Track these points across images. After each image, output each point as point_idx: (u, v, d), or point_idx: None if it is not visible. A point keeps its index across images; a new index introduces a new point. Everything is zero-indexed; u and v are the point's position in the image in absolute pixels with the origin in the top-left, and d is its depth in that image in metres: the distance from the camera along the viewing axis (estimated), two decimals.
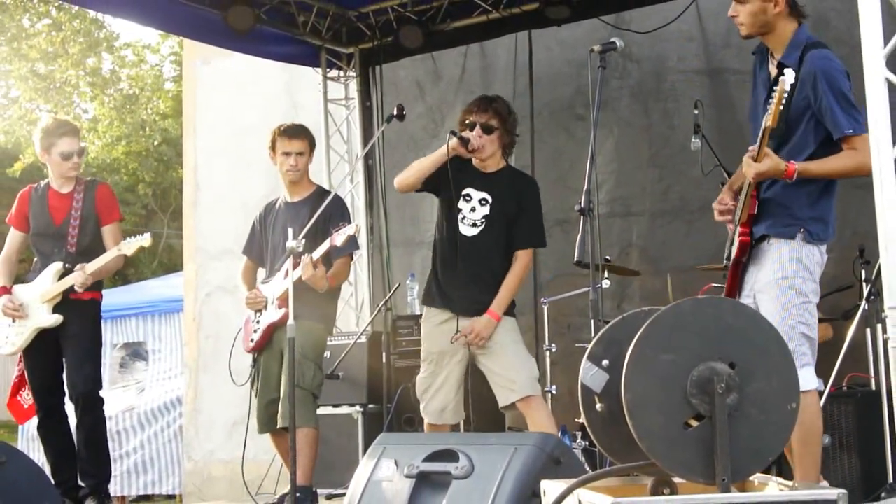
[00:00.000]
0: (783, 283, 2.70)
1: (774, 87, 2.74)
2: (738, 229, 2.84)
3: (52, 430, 4.08)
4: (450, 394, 3.52)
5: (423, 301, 3.67)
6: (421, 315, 4.78)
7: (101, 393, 4.06)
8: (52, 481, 3.51)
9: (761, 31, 2.82)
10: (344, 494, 2.90)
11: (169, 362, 7.15)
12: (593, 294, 2.85)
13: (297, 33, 5.32)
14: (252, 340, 3.88)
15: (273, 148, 3.95)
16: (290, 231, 3.49)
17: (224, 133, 6.43)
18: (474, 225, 3.52)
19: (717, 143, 4.15)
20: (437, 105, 5.58)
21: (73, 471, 4.03)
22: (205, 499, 6.03)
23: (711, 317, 1.99)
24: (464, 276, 3.49)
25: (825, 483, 2.80)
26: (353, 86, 5.61)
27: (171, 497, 6.99)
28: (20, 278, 4.24)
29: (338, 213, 3.82)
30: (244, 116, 6.22)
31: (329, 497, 4.39)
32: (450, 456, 2.51)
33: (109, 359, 7.11)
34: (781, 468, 2.95)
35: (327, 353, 4.43)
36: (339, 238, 3.59)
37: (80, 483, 4.03)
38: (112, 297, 6.14)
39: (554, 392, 4.15)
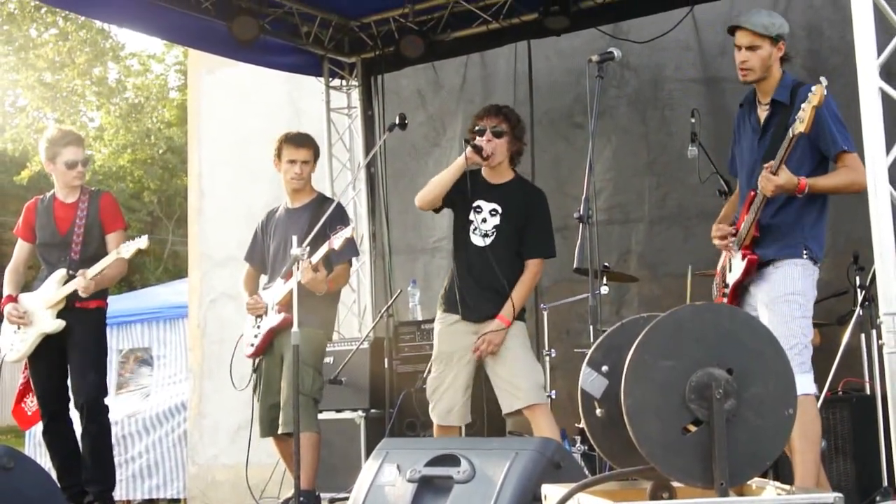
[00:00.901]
0: (789, 299, 2.85)
1: (767, 129, 2.94)
2: (741, 252, 2.93)
3: (56, 435, 4.11)
4: (456, 395, 3.55)
5: (440, 305, 3.70)
6: (422, 321, 4.87)
7: (106, 400, 4.10)
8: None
9: (764, 75, 2.99)
10: (347, 498, 2.92)
11: (173, 367, 7.17)
12: (592, 300, 2.89)
13: (300, 43, 5.38)
14: (252, 346, 3.91)
15: (278, 155, 3.99)
16: (294, 238, 3.53)
17: (228, 141, 6.47)
18: (485, 236, 3.56)
19: (714, 150, 4.19)
20: (437, 114, 5.63)
21: (78, 476, 4.05)
22: (209, 503, 6.06)
23: (710, 323, 2.01)
24: (477, 286, 3.54)
25: (827, 486, 2.85)
26: (356, 95, 5.66)
27: (175, 501, 7.00)
28: (28, 286, 4.28)
29: (337, 218, 3.85)
30: (248, 125, 6.26)
31: (332, 501, 4.41)
32: (451, 460, 2.54)
33: (115, 364, 7.15)
34: (779, 472, 2.99)
35: (330, 359, 4.48)
36: (336, 241, 3.62)
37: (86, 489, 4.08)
38: (117, 304, 6.17)
39: (553, 397, 4.18)
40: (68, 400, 4.12)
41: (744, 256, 2.95)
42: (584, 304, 3.28)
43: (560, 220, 3.86)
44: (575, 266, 3.05)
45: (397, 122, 3.75)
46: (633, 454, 2.00)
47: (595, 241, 2.96)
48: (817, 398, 2.97)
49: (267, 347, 3.89)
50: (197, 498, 6.28)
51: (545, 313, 4.38)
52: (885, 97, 2.66)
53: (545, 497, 2.25)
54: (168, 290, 8.62)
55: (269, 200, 4.75)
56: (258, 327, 3.92)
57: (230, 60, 5.65)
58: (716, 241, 3.11)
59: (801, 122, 2.71)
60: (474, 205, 3.59)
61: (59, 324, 4.02)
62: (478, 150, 3.51)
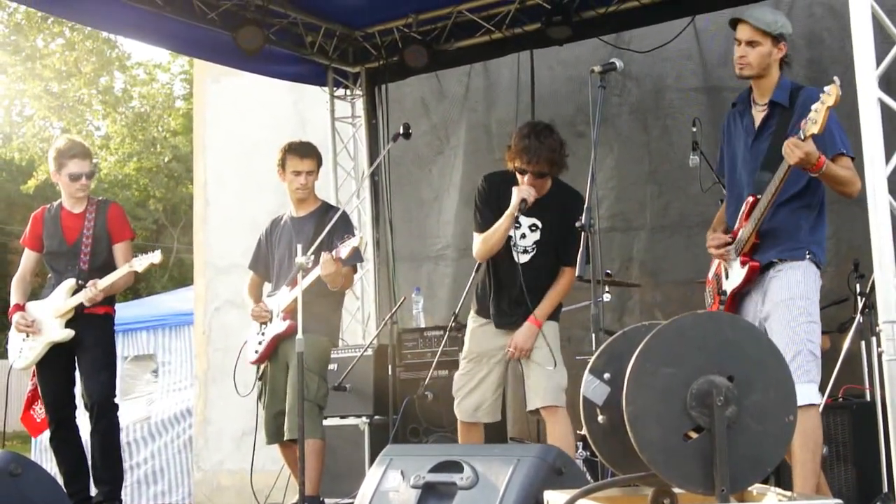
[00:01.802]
0: (792, 303, 2.82)
1: (763, 130, 2.93)
2: (740, 258, 2.92)
3: (64, 441, 4.14)
4: (487, 392, 3.57)
5: (473, 306, 3.71)
6: (425, 328, 4.89)
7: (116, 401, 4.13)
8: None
9: (761, 73, 2.96)
10: None
11: (179, 374, 7.21)
12: (594, 308, 2.90)
13: (304, 53, 5.42)
14: (256, 352, 3.94)
15: (282, 166, 4.01)
16: (299, 247, 3.56)
17: (234, 150, 6.51)
18: (525, 251, 3.55)
19: (715, 159, 4.21)
20: (441, 123, 5.67)
21: (85, 482, 4.09)
22: None
23: (711, 331, 2.01)
24: (510, 299, 3.56)
25: (827, 492, 2.86)
26: (360, 104, 5.71)
27: None
28: (35, 294, 4.33)
29: (342, 226, 3.88)
30: (253, 134, 6.30)
31: None
32: (455, 467, 2.56)
33: (121, 370, 7.18)
34: (780, 479, 3.01)
35: (334, 366, 4.50)
36: (343, 250, 3.65)
37: (92, 494, 4.09)
38: (123, 311, 6.18)
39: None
40: (75, 407, 4.16)
41: (743, 263, 2.92)
42: (586, 311, 3.29)
43: None
44: (577, 274, 3.08)
45: (402, 131, 3.78)
46: (634, 461, 2.02)
47: (597, 249, 2.98)
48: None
49: (272, 354, 3.92)
50: None
51: None
52: (884, 107, 2.69)
53: (547, 503, 2.28)
54: (173, 298, 8.66)
55: (274, 209, 4.79)
56: (262, 334, 3.95)
57: (235, 70, 5.69)
58: (711, 251, 3.07)
59: (815, 123, 2.65)
60: None
61: (69, 333, 4.05)
62: (525, 202, 3.44)
